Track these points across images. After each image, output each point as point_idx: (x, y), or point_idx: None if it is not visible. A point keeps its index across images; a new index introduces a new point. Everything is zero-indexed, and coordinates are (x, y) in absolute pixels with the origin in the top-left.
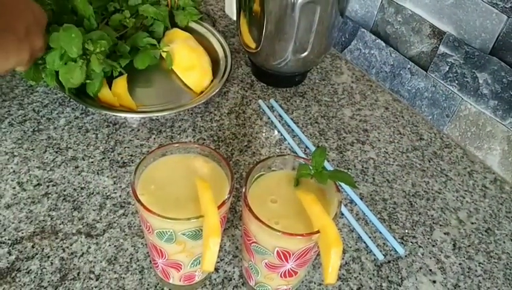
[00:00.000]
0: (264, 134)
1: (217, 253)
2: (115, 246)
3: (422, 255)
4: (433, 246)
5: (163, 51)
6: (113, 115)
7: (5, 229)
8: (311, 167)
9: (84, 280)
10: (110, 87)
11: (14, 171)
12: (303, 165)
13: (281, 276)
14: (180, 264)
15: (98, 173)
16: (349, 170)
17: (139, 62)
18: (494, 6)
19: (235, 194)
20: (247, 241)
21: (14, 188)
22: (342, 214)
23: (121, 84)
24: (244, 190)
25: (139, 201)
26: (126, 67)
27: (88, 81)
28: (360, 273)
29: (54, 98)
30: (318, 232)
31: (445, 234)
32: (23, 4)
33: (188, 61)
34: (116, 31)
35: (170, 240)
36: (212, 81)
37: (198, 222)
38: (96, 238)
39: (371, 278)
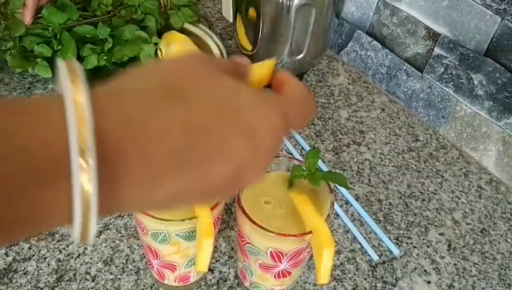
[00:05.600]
0: None
1: (211, 254)
2: (111, 247)
3: (417, 255)
4: (428, 246)
5: (154, 44)
6: None
7: None
8: (304, 168)
9: (80, 281)
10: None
11: None
12: (296, 167)
13: (274, 276)
14: (174, 265)
15: None
16: (345, 171)
17: (128, 50)
18: (488, 8)
19: None
20: (241, 242)
21: None
22: (337, 214)
23: None
24: (237, 191)
25: None
26: (124, 70)
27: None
28: (355, 274)
29: None
30: (310, 232)
31: (440, 234)
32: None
33: None
34: (99, 17)
35: (164, 241)
36: None
37: (192, 223)
38: None
39: (365, 279)
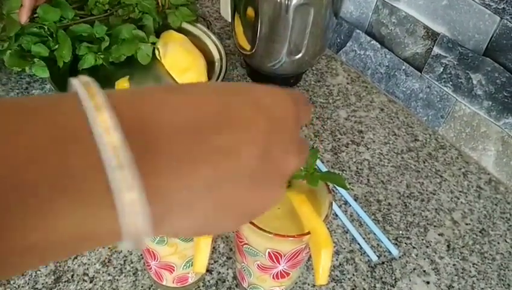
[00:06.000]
0: None
1: (209, 254)
2: (108, 248)
3: (416, 256)
4: (427, 247)
5: (152, 43)
6: None
7: None
8: (302, 169)
9: (78, 282)
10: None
11: None
12: None
13: (273, 277)
14: (172, 266)
15: None
16: (344, 172)
17: (125, 49)
18: (487, 8)
19: None
20: (239, 243)
21: None
22: (336, 215)
23: (123, 86)
24: None
25: None
26: (120, 70)
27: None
28: (353, 275)
29: None
30: (309, 233)
31: (439, 235)
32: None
33: (183, 63)
34: (96, 16)
35: (162, 242)
36: None
37: None
38: None
39: (364, 279)
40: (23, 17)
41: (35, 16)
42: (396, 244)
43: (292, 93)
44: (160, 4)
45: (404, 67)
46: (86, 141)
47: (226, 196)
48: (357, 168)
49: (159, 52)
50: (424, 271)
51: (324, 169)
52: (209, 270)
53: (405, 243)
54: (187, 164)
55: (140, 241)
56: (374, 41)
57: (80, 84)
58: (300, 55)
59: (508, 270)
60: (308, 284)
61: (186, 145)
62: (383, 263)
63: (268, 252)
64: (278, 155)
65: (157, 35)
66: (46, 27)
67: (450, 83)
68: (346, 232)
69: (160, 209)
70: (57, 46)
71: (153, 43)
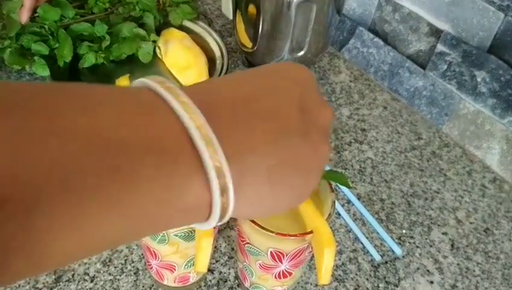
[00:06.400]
0: None
1: (210, 254)
2: None
3: (420, 255)
4: (431, 246)
5: (152, 41)
6: None
7: None
8: None
9: (78, 281)
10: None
11: None
12: None
13: (275, 277)
14: (173, 266)
15: None
16: (347, 170)
17: (126, 47)
18: (490, 4)
19: None
20: (241, 242)
21: None
22: (339, 214)
23: (124, 84)
24: None
25: None
26: (121, 68)
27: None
28: (356, 274)
29: None
30: (311, 232)
31: (443, 234)
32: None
33: (184, 61)
34: (96, 14)
35: (163, 241)
36: None
37: None
38: None
39: (367, 279)
40: (24, 17)
41: (35, 15)
42: (399, 243)
43: (301, 64)
44: (161, 2)
45: (407, 64)
46: (170, 116)
47: (285, 148)
48: (360, 166)
49: (160, 50)
50: (428, 270)
51: (327, 168)
52: (210, 270)
53: (408, 243)
54: (243, 127)
55: (225, 209)
56: (377, 39)
57: (155, 83)
58: (302, 52)
59: None
60: (311, 284)
61: (239, 111)
62: (386, 262)
63: (271, 252)
64: (312, 107)
65: (158, 33)
66: (46, 26)
67: (454, 80)
68: (349, 232)
69: (237, 171)
70: (57, 45)
71: (154, 41)
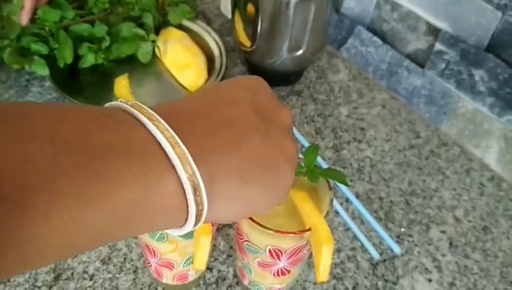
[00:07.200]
0: None
1: (208, 251)
2: (108, 246)
3: (419, 253)
4: (429, 244)
5: (152, 41)
6: None
7: None
8: (303, 165)
9: (78, 279)
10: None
11: None
12: None
13: (274, 274)
14: (172, 264)
15: None
16: (346, 169)
17: (125, 48)
18: (488, 3)
19: None
20: (239, 240)
21: None
22: (337, 212)
23: (122, 83)
24: None
25: None
26: (120, 68)
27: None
28: (355, 272)
29: (49, 99)
30: (309, 230)
31: (441, 232)
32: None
33: (183, 60)
34: (95, 15)
35: (162, 239)
36: (207, 80)
37: None
38: None
39: (366, 277)
40: (24, 18)
41: (35, 17)
42: (398, 241)
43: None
44: (160, 1)
45: (406, 63)
46: (139, 127)
47: (249, 148)
48: (359, 165)
49: (159, 50)
50: (426, 269)
51: (325, 166)
52: (209, 268)
53: (407, 241)
54: (206, 134)
55: (201, 210)
56: (375, 38)
57: (121, 103)
58: (301, 51)
59: (511, 267)
60: (310, 282)
61: (199, 122)
62: (384, 260)
63: (269, 249)
64: (269, 110)
65: (157, 33)
66: (46, 28)
67: (453, 79)
68: (348, 230)
69: (207, 170)
70: (57, 46)
71: (153, 41)
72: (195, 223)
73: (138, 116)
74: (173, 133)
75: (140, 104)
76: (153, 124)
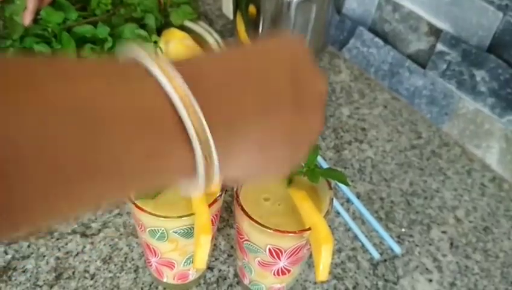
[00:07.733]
0: None
1: (208, 250)
2: (109, 245)
3: (419, 253)
4: (430, 244)
5: (154, 42)
6: None
7: None
8: (303, 165)
9: (79, 279)
10: None
11: None
12: None
13: (274, 274)
14: (173, 263)
15: None
16: (347, 169)
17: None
18: (490, 4)
19: (231, 194)
20: (240, 239)
21: None
22: (338, 213)
23: None
24: (236, 188)
25: (130, 199)
26: None
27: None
28: (355, 272)
29: None
30: (309, 229)
31: (442, 232)
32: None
33: None
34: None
35: (162, 238)
36: None
37: (190, 219)
38: (91, 238)
39: (366, 277)
40: (27, 19)
41: (38, 17)
42: (398, 242)
43: (291, 37)
44: (162, 2)
45: (407, 64)
46: (157, 89)
47: (275, 120)
48: (360, 165)
49: (161, 50)
50: (427, 269)
51: (326, 166)
52: (210, 268)
53: (408, 241)
54: (234, 96)
55: (210, 174)
56: (377, 38)
57: (144, 55)
58: None
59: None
60: (310, 282)
61: (229, 83)
62: (385, 260)
63: (269, 249)
64: (306, 77)
65: (159, 34)
66: (49, 29)
67: (454, 79)
68: (349, 230)
69: (225, 134)
70: (59, 47)
71: (155, 42)
72: (207, 181)
73: (157, 77)
74: (192, 98)
75: (163, 59)
76: (172, 86)
